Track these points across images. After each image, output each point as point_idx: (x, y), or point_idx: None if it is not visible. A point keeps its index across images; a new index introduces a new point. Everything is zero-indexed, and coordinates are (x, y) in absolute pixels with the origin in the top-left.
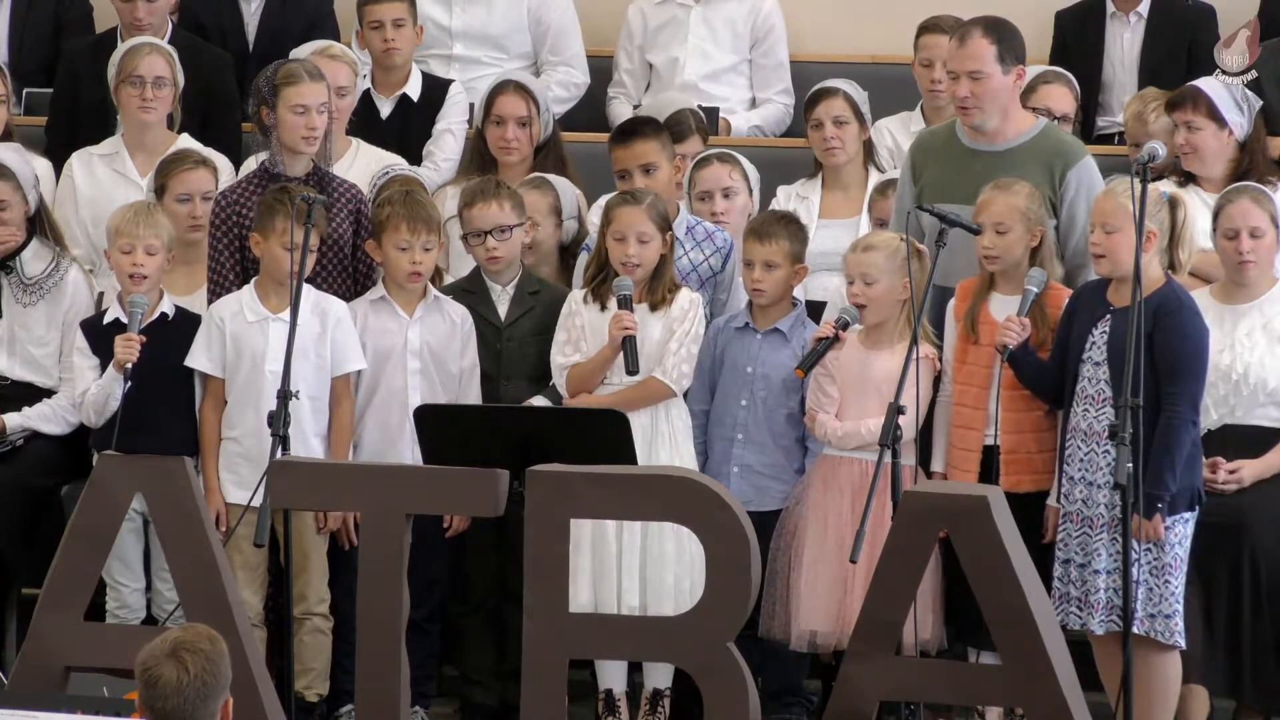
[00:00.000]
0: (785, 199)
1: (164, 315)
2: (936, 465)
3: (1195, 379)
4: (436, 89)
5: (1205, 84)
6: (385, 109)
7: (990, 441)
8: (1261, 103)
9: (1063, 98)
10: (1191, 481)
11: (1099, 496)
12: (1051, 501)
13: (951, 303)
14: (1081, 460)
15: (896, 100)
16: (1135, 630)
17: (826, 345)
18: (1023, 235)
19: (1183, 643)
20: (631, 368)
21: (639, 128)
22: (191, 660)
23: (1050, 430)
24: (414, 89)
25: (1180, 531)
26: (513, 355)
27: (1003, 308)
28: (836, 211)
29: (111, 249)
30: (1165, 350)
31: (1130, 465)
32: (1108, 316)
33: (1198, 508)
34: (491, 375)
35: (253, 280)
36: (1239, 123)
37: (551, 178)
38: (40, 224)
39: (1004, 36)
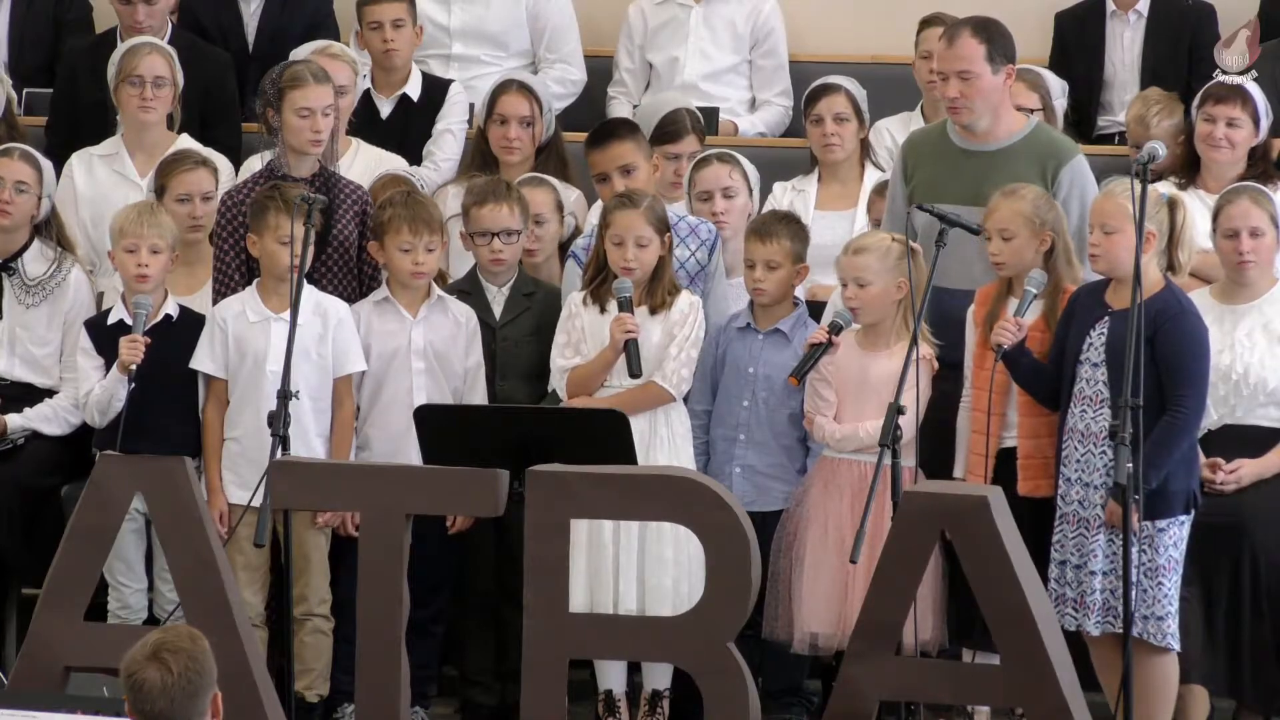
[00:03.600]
0: (781, 192)
1: (168, 316)
2: (958, 471)
3: (1199, 384)
4: (436, 89)
5: (1246, 84)
6: (385, 109)
7: (1009, 444)
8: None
9: (1018, 92)
10: (1188, 485)
11: (1095, 498)
12: None
13: (971, 308)
14: (1078, 461)
15: (896, 100)
16: (1123, 631)
17: (819, 352)
18: (1029, 240)
19: (1176, 645)
20: (634, 370)
21: (615, 129)
22: (174, 660)
23: None
24: (414, 89)
25: (1175, 534)
26: (507, 355)
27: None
28: (833, 203)
29: (116, 249)
30: (1168, 356)
31: (1130, 465)
32: (1106, 318)
33: (1193, 510)
34: (486, 375)
35: (255, 281)
36: (1265, 128)
37: (546, 176)
38: (43, 226)
39: (993, 36)
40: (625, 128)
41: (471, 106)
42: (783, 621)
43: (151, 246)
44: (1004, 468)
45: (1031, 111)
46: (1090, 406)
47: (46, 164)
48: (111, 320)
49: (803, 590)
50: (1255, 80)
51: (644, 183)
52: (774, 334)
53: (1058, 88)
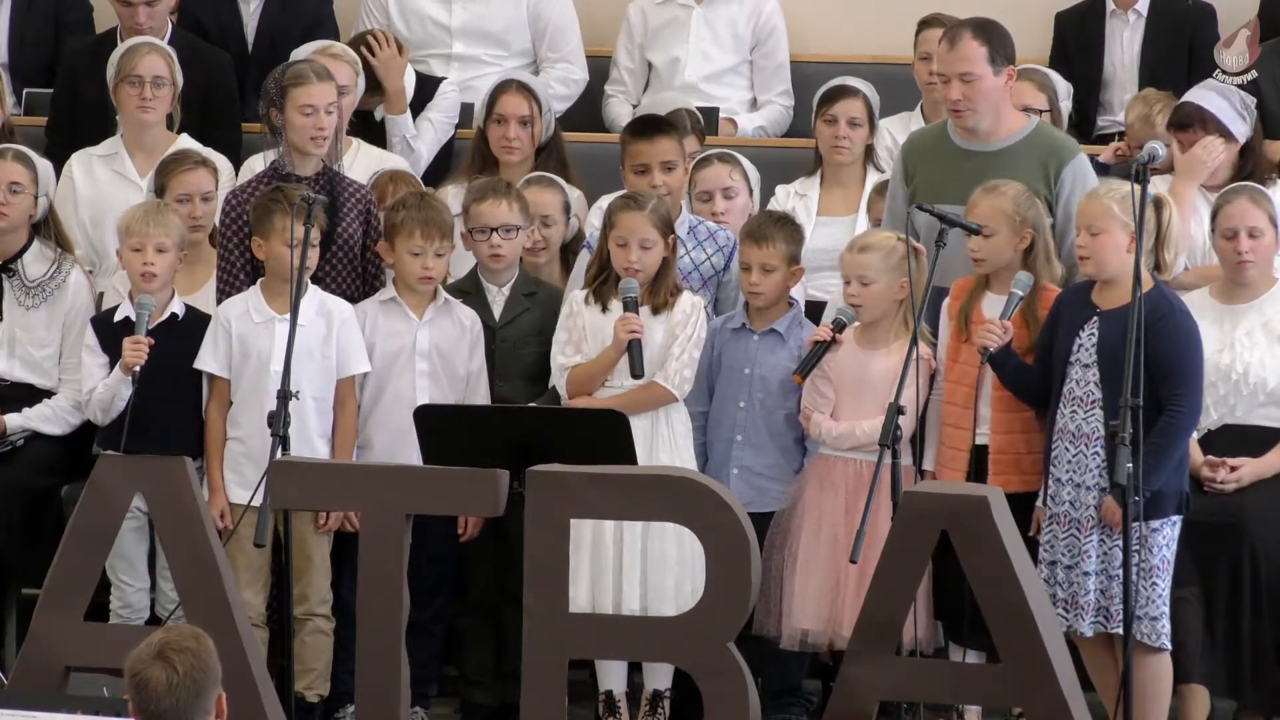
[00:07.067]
0: (784, 195)
1: (173, 315)
2: (928, 464)
3: (1195, 381)
4: (428, 87)
5: (1206, 99)
6: (379, 112)
7: (980, 441)
8: (1256, 100)
9: (1025, 92)
10: (1179, 485)
11: (1087, 498)
12: (1040, 504)
13: (946, 301)
14: (1069, 462)
15: (897, 100)
16: (1122, 631)
17: (823, 349)
18: (1009, 238)
19: (1169, 644)
20: (637, 371)
21: (664, 125)
22: (179, 659)
23: (1040, 431)
24: (407, 92)
25: (1167, 534)
26: (506, 355)
27: (995, 307)
28: (834, 209)
29: (123, 248)
30: (1161, 355)
31: (1130, 465)
32: (1094, 319)
33: (1185, 510)
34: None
35: (258, 281)
36: (1243, 131)
37: (556, 177)
38: (41, 226)
39: (994, 37)
40: (672, 126)
41: (472, 107)
42: (773, 618)
43: (158, 245)
44: (975, 463)
45: (1040, 112)
46: (1081, 407)
47: (43, 163)
48: (118, 318)
49: (794, 587)
50: (1254, 81)
51: (679, 181)
52: (769, 334)
53: (1064, 89)
